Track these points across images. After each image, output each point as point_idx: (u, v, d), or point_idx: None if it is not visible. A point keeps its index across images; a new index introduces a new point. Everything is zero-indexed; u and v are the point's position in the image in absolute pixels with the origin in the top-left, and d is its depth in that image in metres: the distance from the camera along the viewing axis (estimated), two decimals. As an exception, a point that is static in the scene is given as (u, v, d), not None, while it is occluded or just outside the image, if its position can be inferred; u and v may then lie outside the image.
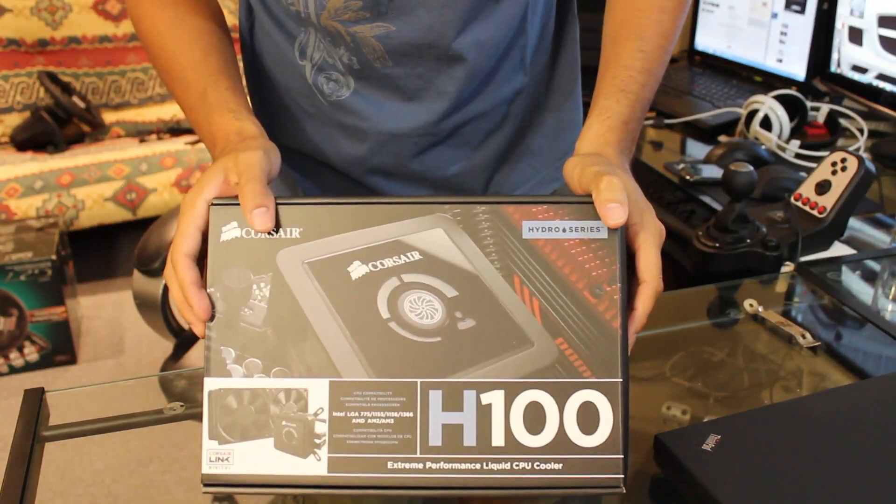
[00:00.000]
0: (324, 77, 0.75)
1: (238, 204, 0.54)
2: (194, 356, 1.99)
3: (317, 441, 0.51)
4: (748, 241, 0.98)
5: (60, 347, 2.20)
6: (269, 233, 0.53)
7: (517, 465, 0.51)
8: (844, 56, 1.50)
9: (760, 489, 0.58)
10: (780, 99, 1.42)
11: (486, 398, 0.51)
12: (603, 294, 0.52)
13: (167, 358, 2.14)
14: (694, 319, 0.93)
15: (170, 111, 2.92)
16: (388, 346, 0.52)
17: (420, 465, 0.51)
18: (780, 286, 0.97)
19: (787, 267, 0.97)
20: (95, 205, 2.48)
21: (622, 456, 0.51)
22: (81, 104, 2.74)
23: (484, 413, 0.51)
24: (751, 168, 0.96)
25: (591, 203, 0.53)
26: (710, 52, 1.86)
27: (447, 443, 0.51)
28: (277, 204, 0.54)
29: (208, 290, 0.53)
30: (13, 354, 2.17)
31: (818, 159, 1.29)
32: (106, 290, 2.57)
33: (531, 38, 0.77)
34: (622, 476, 0.51)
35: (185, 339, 1.96)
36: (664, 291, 0.54)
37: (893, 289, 0.98)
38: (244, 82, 0.82)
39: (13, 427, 0.69)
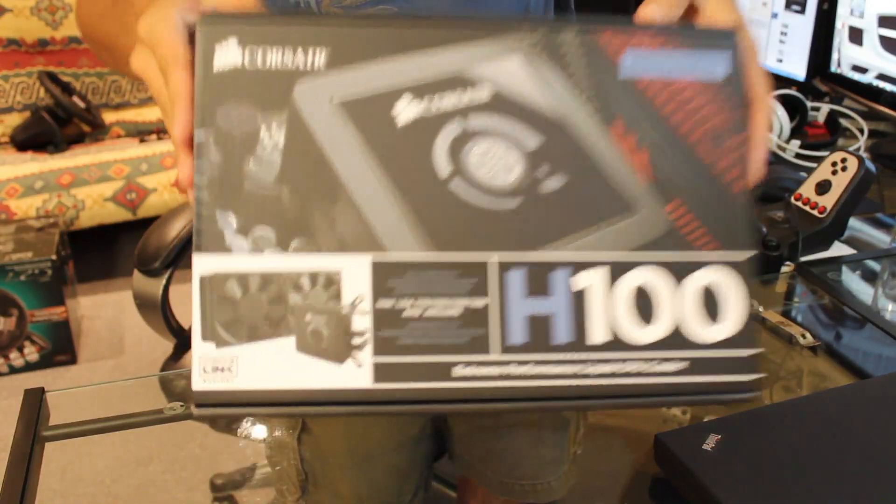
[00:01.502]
0: None
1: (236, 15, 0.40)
2: (194, 356, 1.99)
3: (356, 341, 0.38)
4: (748, 241, 0.98)
5: (60, 347, 2.19)
6: (282, 56, 0.40)
7: (623, 368, 0.40)
8: (844, 56, 1.50)
9: (760, 489, 0.58)
10: (781, 99, 1.42)
11: (581, 280, 0.40)
12: (723, 148, 0.42)
13: (167, 358, 2.13)
14: (694, 319, 0.93)
15: (170, 111, 2.92)
16: (450, 211, 0.40)
17: (497, 371, 0.39)
18: (780, 286, 0.97)
19: (787, 267, 0.97)
20: (95, 205, 2.48)
21: (759, 350, 0.40)
22: (81, 104, 2.74)
23: (579, 300, 0.40)
24: (751, 168, 0.96)
25: (703, 31, 0.43)
26: (710, 52, 1.86)
27: (533, 340, 0.39)
28: (294, 15, 0.41)
29: (195, 137, 0.39)
30: (13, 354, 2.17)
31: (818, 159, 1.29)
32: (106, 290, 2.57)
33: None
34: (759, 376, 0.40)
35: (185, 339, 1.95)
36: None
37: (893, 289, 0.98)
38: None
39: (13, 427, 0.69)
